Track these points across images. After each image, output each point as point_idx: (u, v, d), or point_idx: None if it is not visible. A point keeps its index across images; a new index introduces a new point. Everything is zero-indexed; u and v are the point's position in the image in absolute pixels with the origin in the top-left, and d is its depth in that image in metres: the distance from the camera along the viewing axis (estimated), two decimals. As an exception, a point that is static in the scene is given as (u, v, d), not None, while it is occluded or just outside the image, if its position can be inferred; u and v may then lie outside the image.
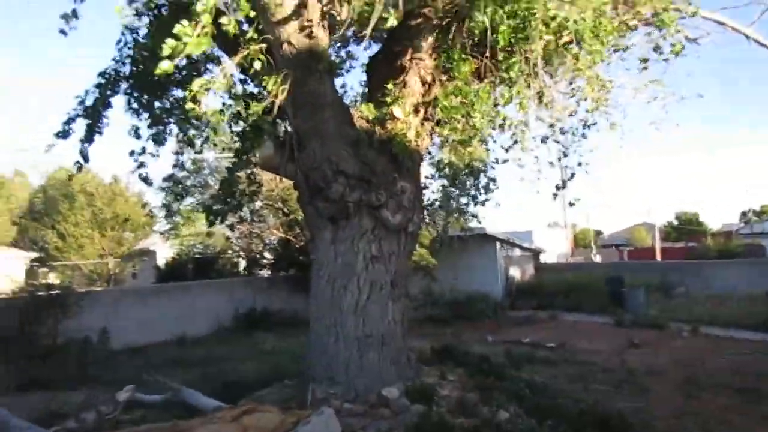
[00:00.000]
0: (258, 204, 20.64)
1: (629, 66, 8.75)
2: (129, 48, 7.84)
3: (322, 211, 6.68)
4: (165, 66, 3.99)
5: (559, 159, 9.26)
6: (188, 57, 4.71)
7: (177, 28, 4.01)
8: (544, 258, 26.85)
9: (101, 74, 7.66)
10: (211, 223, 8.89)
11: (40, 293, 13.07)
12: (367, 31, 5.00)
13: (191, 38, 3.95)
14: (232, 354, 12.03)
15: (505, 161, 8.41)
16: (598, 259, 40.33)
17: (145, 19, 7.64)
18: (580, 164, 9.29)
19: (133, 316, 14.34)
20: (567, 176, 9.48)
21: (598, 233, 62.82)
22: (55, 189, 29.92)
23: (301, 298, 13.60)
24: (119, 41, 7.81)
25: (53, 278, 24.71)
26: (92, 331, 12.97)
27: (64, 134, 7.50)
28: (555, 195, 9.31)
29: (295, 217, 17.60)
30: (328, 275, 6.83)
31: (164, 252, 29.27)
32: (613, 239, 60.81)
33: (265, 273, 20.86)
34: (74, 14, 6.73)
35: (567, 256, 38.86)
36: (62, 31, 6.69)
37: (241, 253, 22.56)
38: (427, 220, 16.62)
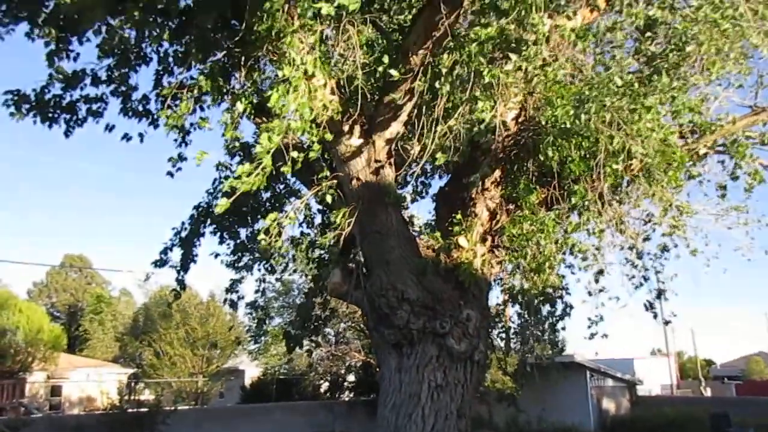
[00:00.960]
0: (342, 326, 20.96)
1: (707, 190, 8.62)
2: (221, 182, 8.66)
3: (387, 337, 6.79)
4: (222, 202, 4.52)
5: (640, 284, 9.01)
6: (249, 192, 5.21)
7: (237, 169, 4.56)
8: (646, 389, 24.96)
9: (195, 207, 8.46)
10: (290, 349, 9.19)
11: (129, 410, 13.66)
12: (419, 165, 5.35)
13: (248, 178, 4.47)
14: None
15: (576, 301, 8.30)
16: (708, 392, 36.60)
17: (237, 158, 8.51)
18: (661, 291, 8.98)
19: (214, 436, 14.54)
20: (653, 297, 9.14)
21: (709, 363, 57.70)
22: (155, 307, 31.83)
23: (379, 424, 13.35)
24: (214, 180, 8.64)
25: (148, 394, 25.60)
26: (175, 451, 13.26)
27: (161, 263, 8.23)
28: (652, 311, 8.83)
29: (376, 340, 17.65)
30: (393, 403, 6.79)
31: (252, 371, 29.80)
32: (727, 370, 55.42)
33: (347, 396, 20.69)
34: (180, 158, 7.56)
35: (672, 388, 35.76)
36: (169, 173, 7.52)
37: (324, 374, 22.61)
38: (514, 347, 16.11)
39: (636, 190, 8.29)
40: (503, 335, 10.20)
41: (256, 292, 9.13)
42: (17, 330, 27.81)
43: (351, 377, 21.25)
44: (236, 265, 8.37)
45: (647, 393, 25.81)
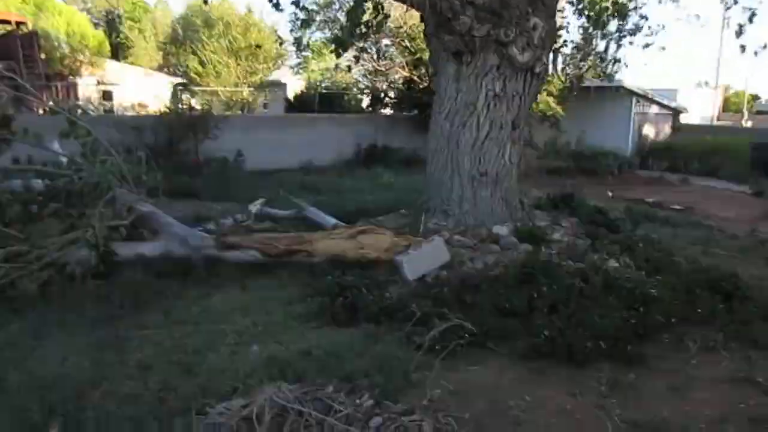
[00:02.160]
0: (385, 42, 20.36)
1: None
2: None
3: (448, 44, 6.51)
4: None
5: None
6: None
7: None
8: (685, 118, 24.74)
9: None
10: (338, 54, 9.02)
11: (184, 114, 14.23)
12: None
13: None
14: (352, 184, 12.66)
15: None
16: (748, 125, 36.37)
17: None
18: (754, 14, 8.33)
19: (264, 141, 15.25)
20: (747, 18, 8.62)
21: (756, 97, 56.24)
22: (194, 16, 31.00)
23: (421, 138, 13.68)
24: None
25: (194, 102, 26.45)
26: (228, 153, 14.09)
27: None
28: (743, 47, 8.54)
29: (421, 56, 17.27)
30: (448, 111, 6.82)
31: (294, 84, 30.16)
32: (774, 104, 54.09)
33: (388, 111, 21.06)
34: None
35: (712, 120, 35.48)
36: None
37: (366, 90, 22.75)
38: (561, 66, 15.68)
39: None
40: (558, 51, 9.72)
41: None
42: (61, 35, 27.81)
43: (392, 94, 21.33)
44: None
45: (686, 122, 25.64)
